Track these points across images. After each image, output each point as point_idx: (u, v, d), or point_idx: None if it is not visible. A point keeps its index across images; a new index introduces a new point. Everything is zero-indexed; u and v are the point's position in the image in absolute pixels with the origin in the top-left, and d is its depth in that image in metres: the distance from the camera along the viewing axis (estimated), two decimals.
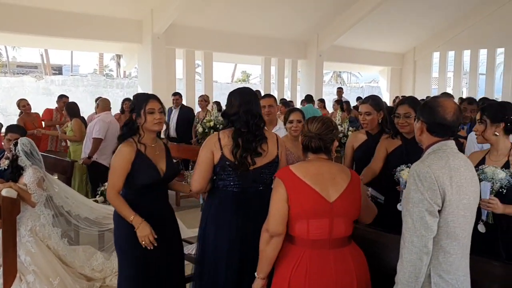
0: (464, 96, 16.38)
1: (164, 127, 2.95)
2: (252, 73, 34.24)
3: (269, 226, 2.22)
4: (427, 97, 5.27)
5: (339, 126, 5.60)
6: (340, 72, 37.40)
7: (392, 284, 2.00)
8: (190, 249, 3.48)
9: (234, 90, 2.86)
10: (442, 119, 2.00)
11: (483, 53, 15.92)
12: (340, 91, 12.31)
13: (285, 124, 3.68)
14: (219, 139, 2.70)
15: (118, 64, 30.54)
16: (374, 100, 3.48)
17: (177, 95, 8.27)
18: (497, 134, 2.61)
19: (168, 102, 8.05)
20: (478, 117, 2.72)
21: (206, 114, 7.67)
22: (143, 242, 2.71)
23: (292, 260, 2.20)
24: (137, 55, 11.09)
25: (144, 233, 2.70)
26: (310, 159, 2.31)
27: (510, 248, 2.55)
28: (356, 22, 12.79)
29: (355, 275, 2.24)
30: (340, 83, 36.70)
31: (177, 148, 7.05)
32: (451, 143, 2.04)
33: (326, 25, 13.15)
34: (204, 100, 8.35)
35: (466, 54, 16.49)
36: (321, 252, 2.19)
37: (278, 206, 2.20)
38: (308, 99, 10.20)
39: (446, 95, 5.38)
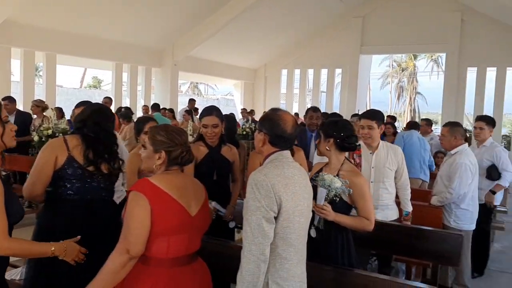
0: None
1: None
2: (104, 79, 32.53)
3: (131, 246, 1.94)
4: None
5: (190, 136, 5.53)
6: (197, 83, 37.81)
7: None
8: (14, 274, 3.04)
9: (94, 103, 2.89)
10: (283, 131, 2.08)
11: (324, 72, 17.52)
12: (192, 102, 12.36)
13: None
14: (65, 141, 2.55)
15: None
16: (218, 111, 3.44)
17: (6, 100, 7.09)
18: (328, 148, 2.76)
19: None
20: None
21: (43, 121, 6.89)
22: (74, 261, 2.19)
23: (147, 283, 2.00)
24: None
25: (74, 253, 2.17)
26: (171, 171, 2.15)
27: (329, 252, 2.68)
28: (212, 35, 13.02)
29: None
30: (197, 94, 37.08)
31: (9, 160, 6.21)
32: (287, 153, 2.12)
33: (182, 35, 13.12)
34: (36, 106, 7.36)
35: (310, 72, 17.99)
36: (179, 270, 2.06)
37: (142, 223, 1.96)
38: (156, 107, 9.99)
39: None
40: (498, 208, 5.76)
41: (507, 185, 4.74)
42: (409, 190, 3.82)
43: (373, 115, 3.70)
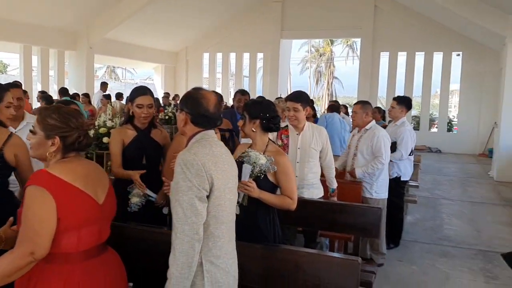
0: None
1: None
2: (11, 64, 30.09)
3: (37, 248, 1.75)
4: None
5: (109, 121, 5.28)
6: (114, 67, 36.29)
7: (164, 280, 1.91)
8: None
9: None
10: (205, 110, 2.04)
11: (246, 56, 17.57)
12: (104, 86, 11.83)
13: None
14: None
15: None
16: (151, 92, 3.30)
17: None
18: (254, 130, 2.77)
19: None
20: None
21: None
22: None
23: (59, 283, 1.84)
24: None
25: (13, 240, 1.87)
26: (68, 158, 1.97)
27: (256, 232, 2.70)
28: (129, 17, 12.45)
29: (121, 277, 2.11)
30: (114, 78, 35.61)
31: None
32: (212, 132, 2.09)
33: (97, 16, 12.40)
34: None
35: (233, 56, 17.95)
36: (91, 262, 1.93)
37: (48, 221, 1.78)
38: (64, 92, 9.44)
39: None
40: (410, 183, 6.20)
41: (395, 160, 5.03)
42: (334, 169, 3.98)
43: (299, 97, 3.77)
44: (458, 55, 15.13)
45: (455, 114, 20.10)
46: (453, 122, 17.68)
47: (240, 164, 2.53)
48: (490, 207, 7.54)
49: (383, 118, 8.08)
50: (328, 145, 3.89)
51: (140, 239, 2.69)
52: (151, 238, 2.71)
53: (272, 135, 3.19)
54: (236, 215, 2.19)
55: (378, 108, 7.93)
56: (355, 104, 4.75)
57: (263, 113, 2.75)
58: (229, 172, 2.03)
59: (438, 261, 4.89)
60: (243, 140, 3.44)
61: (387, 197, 4.62)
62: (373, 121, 4.61)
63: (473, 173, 11.02)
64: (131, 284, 2.27)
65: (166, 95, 13.85)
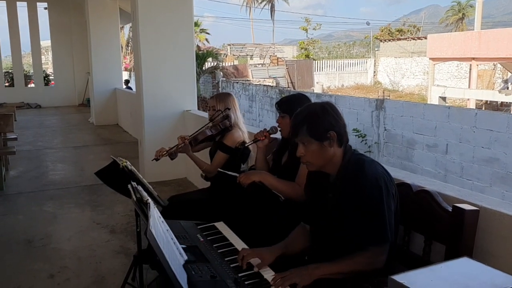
0: None
1: None
2: None
3: None
4: None
5: None
6: None
7: None
8: None
9: None
10: None
11: None
12: None
13: None
14: None
15: None
16: None
17: None
18: None
19: None
20: None
21: None
22: None
23: None
24: None
25: None
26: None
27: None
28: None
29: None
30: None
31: None
32: None
33: None
34: None
35: None
36: None
37: None
38: None
39: None
40: (8, 136, 5.86)
41: None
42: None
43: None
44: (46, 8, 14.80)
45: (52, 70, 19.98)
46: (50, 78, 17.50)
47: None
48: (92, 148, 8.06)
49: None
50: None
51: None
52: None
53: None
54: None
55: None
56: None
57: None
58: None
59: (45, 205, 4.89)
60: None
61: None
62: None
63: (74, 121, 11.39)
64: None
65: None
